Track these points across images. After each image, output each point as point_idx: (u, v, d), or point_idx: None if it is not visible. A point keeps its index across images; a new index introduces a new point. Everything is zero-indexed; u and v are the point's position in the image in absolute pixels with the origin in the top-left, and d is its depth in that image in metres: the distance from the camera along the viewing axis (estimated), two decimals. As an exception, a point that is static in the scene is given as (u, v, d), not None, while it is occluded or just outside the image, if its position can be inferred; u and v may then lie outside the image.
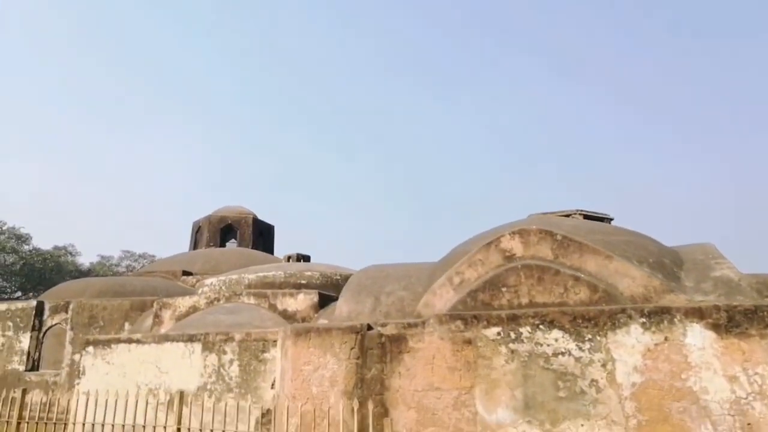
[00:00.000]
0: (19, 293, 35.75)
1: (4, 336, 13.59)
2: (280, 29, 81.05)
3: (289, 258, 12.51)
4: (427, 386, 6.18)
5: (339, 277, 10.91)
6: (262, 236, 19.43)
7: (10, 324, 13.61)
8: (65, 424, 8.37)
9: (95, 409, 7.18)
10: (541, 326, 5.82)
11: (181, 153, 78.98)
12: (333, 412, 6.75)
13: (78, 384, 9.58)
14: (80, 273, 41.69)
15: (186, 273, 16.22)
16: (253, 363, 8.30)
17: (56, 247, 39.55)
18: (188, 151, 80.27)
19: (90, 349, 9.70)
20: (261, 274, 10.91)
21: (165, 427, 7.24)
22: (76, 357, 12.66)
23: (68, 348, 12.82)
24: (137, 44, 74.83)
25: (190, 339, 8.85)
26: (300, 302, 9.92)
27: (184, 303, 10.98)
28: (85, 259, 41.99)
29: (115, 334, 12.13)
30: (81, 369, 9.64)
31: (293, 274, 10.76)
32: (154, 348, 9.13)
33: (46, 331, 13.46)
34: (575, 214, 13.98)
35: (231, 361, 8.47)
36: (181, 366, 8.81)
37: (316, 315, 9.72)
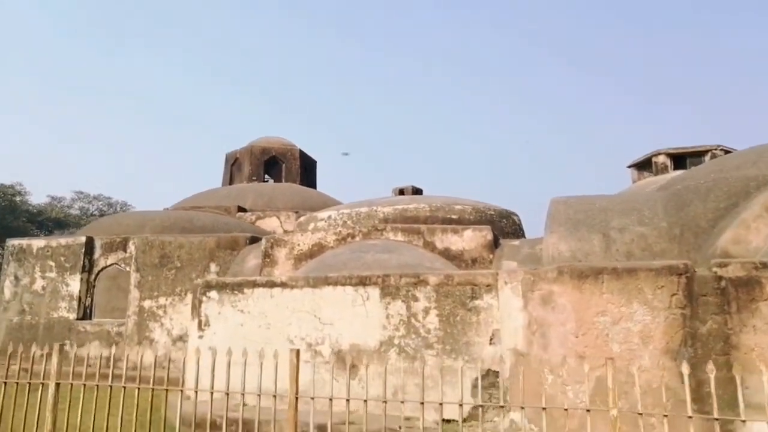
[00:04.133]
0: (-38, 235, 31.98)
1: (45, 278, 11.31)
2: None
3: (401, 191, 10.72)
4: (800, 344, 4.78)
5: (493, 213, 9.26)
6: (306, 172, 17.34)
7: (52, 264, 11.32)
8: (182, 390, 6.31)
9: (228, 369, 4.58)
10: None
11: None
12: (648, 376, 5.30)
13: (201, 337, 7.71)
14: (32, 215, 37.96)
15: (241, 209, 14.13)
16: (460, 312, 6.67)
17: (2, 185, 35.74)
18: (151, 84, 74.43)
19: (213, 294, 7.80)
20: (400, 207, 9.10)
21: (347, 400, 4.10)
22: (146, 304, 10.66)
23: (134, 293, 10.73)
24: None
25: (362, 282, 7.11)
26: (468, 240, 8.26)
27: (304, 240, 9.10)
28: (34, 200, 38.28)
29: (197, 276, 10.15)
30: (203, 318, 7.76)
31: (440, 208, 9.02)
32: (309, 293, 7.33)
33: (99, 272, 11.28)
34: (716, 149, 12.75)
35: (426, 310, 6.81)
36: (353, 316, 7.08)
37: (491, 256, 8.11)
